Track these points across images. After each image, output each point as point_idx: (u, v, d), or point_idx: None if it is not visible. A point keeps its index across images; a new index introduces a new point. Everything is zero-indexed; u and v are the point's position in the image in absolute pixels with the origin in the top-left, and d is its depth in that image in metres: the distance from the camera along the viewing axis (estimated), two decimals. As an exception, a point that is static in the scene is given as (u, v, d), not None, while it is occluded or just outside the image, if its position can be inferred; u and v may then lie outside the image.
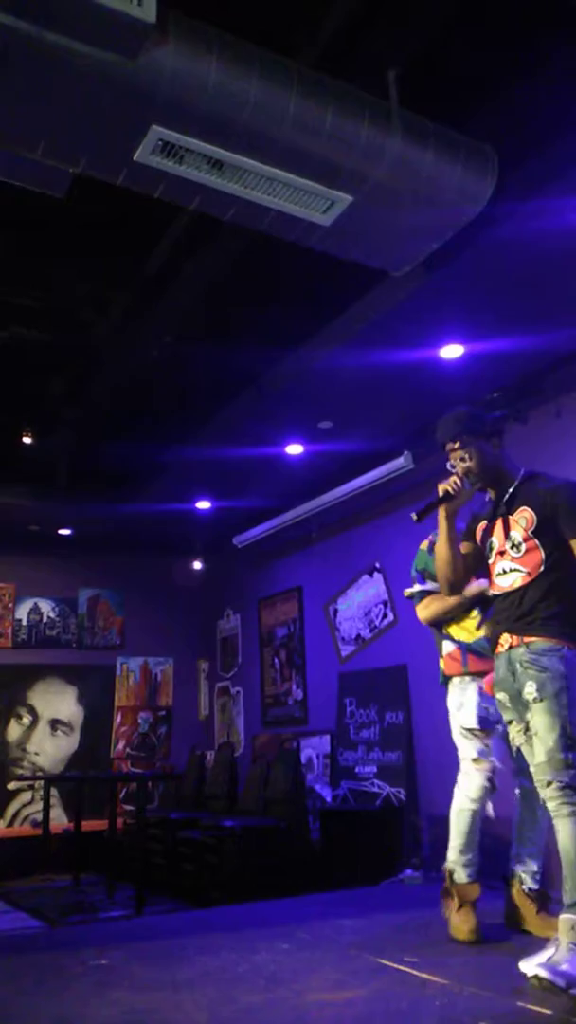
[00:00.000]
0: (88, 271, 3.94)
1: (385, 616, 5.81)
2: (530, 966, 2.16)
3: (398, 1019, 2.10)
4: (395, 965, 2.57)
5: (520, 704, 2.52)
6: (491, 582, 2.71)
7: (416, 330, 3.90)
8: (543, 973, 2.12)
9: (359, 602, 6.11)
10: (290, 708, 6.82)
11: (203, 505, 6.57)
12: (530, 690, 2.45)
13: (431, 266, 3.29)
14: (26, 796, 7.08)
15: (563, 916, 2.28)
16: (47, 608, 7.64)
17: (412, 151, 2.58)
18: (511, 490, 2.69)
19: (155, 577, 7.89)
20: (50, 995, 2.39)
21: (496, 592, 2.67)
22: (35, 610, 7.61)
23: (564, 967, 2.14)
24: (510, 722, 2.60)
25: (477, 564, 2.81)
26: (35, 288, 4.04)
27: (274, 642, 7.16)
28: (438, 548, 2.77)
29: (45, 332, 4.28)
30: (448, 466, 2.77)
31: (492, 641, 2.67)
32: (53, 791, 6.86)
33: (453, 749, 4.98)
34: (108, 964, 2.77)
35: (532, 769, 2.47)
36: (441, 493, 2.92)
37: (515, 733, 2.57)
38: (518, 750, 2.63)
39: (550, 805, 2.36)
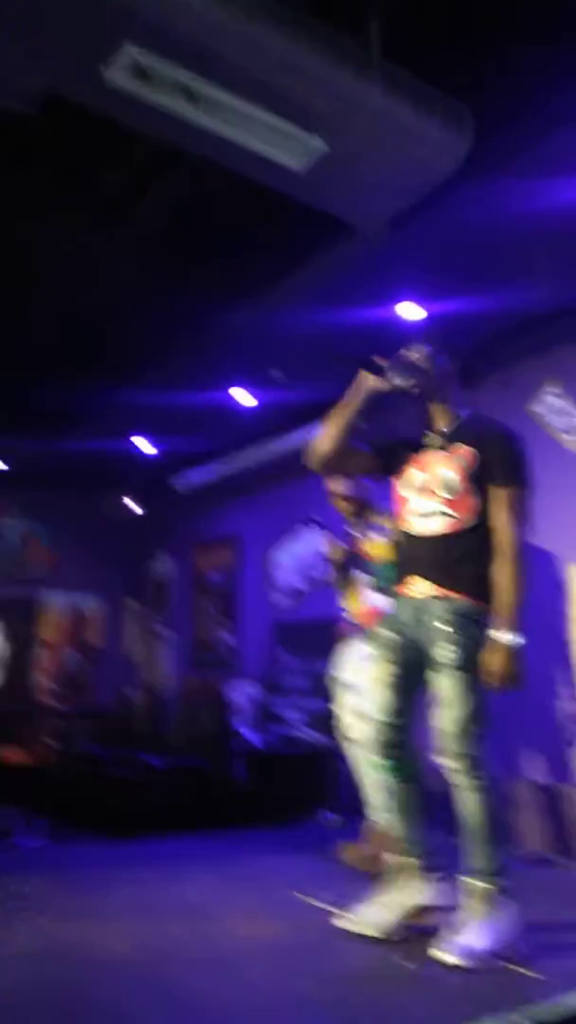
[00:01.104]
0: (36, 196, 3.78)
1: (322, 569, 5.89)
2: (449, 957, 2.11)
3: (316, 951, 2.20)
4: (315, 902, 2.68)
5: (408, 652, 2.39)
6: (401, 518, 2.51)
7: (376, 288, 3.88)
8: (455, 960, 2.09)
9: (297, 554, 6.17)
10: (221, 653, 6.89)
11: (144, 446, 6.49)
12: (450, 655, 2.29)
13: (398, 224, 3.27)
14: (-53, 727, 7.01)
15: (470, 883, 2.25)
16: (-25, 540, 7.48)
17: (391, 103, 2.53)
18: (452, 426, 2.52)
19: (89, 515, 7.78)
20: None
21: (415, 533, 2.46)
22: (-37, 541, 7.45)
23: (472, 942, 2.14)
24: (383, 662, 2.44)
25: (359, 468, 2.63)
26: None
27: (208, 587, 7.19)
28: (339, 410, 2.50)
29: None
30: (404, 369, 2.52)
31: (399, 578, 2.48)
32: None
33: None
34: (31, 892, 2.81)
35: (439, 736, 2.34)
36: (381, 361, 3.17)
37: (384, 674, 2.42)
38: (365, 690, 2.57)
39: (456, 777, 2.28)
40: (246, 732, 6.04)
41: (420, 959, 2.12)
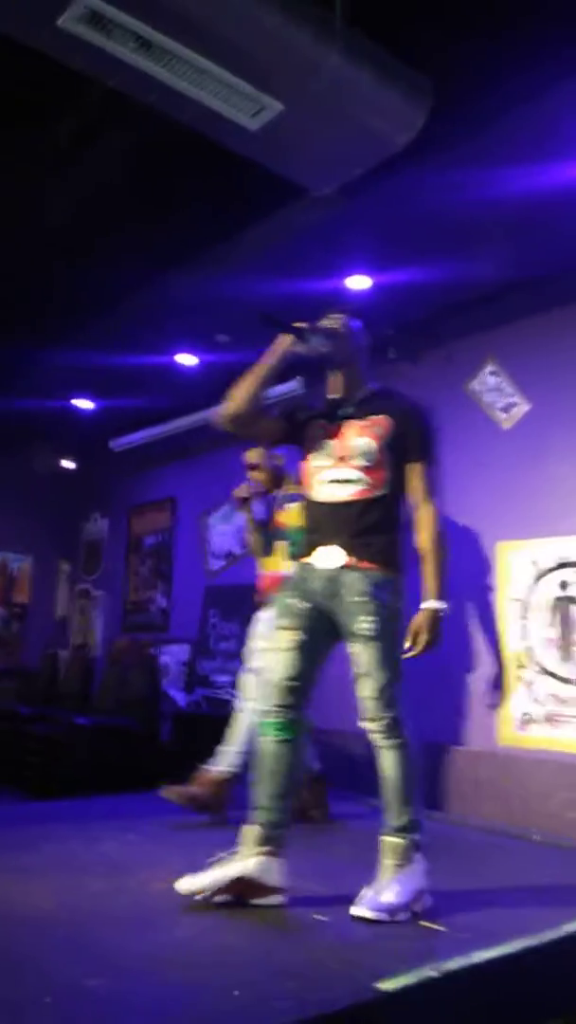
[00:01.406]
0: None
1: (256, 535, 5.91)
2: (362, 911, 2.17)
3: (237, 909, 2.24)
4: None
5: (315, 620, 2.37)
6: (312, 487, 2.48)
7: (325, 257, 3.88)
8: (368, 914, 2.15)
9: (233, 519, 6.17)
10: (152, 615, 6.87)
11: (83, 404, 6.36)
12: (366, 626, 2.32)
13: (350, 191, 3.26)
14: None
15: (386, 839, 2.31)
16: None
17: (351, 69, 2.52)
18: (363, 395, 2.52)
19: (19, 472, 7.62)
20: None
21: (326, 500, 2.43)
22: None
23: (385, 897, 2.20)
24: (287, 628, 2.40)
25: (268, 433, 2.59)
26: None
27: (142, 550, 7.14)
28: (254, 370, 2.43)
29: None
30: (306, 339, 2.45)
31: (309, 546, 2.45)
32: None
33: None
34: (-48, 848, 2.79)
35: (361, 703, 2.35)
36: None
37: (284, 638, 2.39)
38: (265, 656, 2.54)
39: (376, 738, 2.35)
40: (174, 693, 6.07)
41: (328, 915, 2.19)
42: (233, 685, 5.77)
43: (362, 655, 2.34)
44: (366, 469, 2.40)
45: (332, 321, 2.56)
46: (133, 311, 4.72)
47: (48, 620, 7.81)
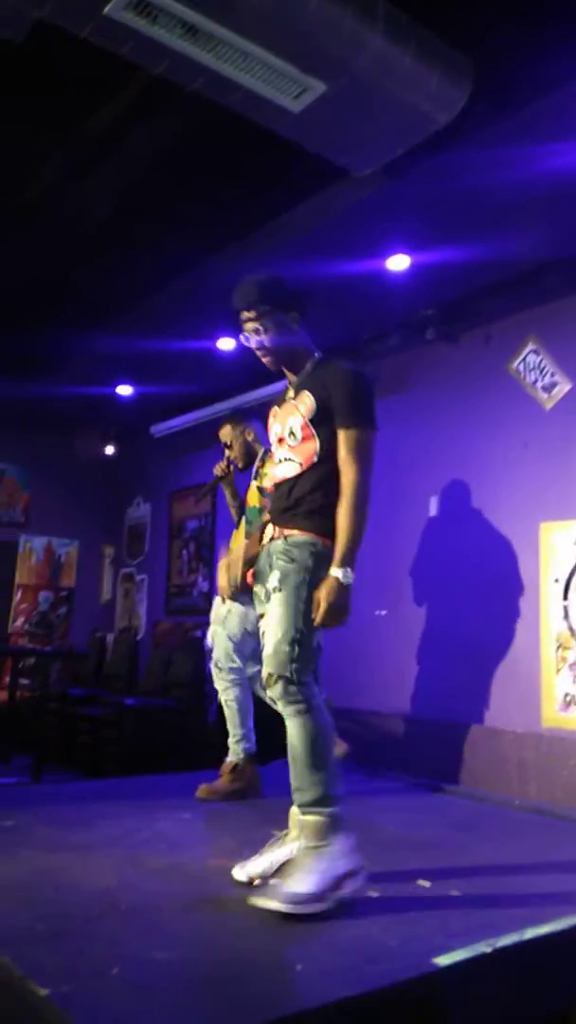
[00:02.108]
0: (27, 125, 3.66)
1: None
2: (270, 903, 2.00)
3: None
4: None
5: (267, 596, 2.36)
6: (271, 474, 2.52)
7: (365, 237, 3.85)
8: (277, 907, 1.98)
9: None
10: (194, 599, 6.95)
11: (124, 391, 6.42)
12: (273, 580, 2.27)
13: (390, 171, 3.24)
14: None
15: (297, 816, 2.18)
16: (-52, 479, 7.42)
17: (392, 48, 2.50)
18: (305, 372, 2.46)
19: (65, 458, 7.74)
20: (-43, 852, 2.47)
21: (271, 483, 2.49)
22: None
23: (297, 886, 2.02)
24: (262, 616, 2.41)
25: None
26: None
27: (184, 534, 7.21)
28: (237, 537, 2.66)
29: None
30: (242, 338, 2.49)
31: (261, 534, 2.51)
32: (-52, 662, 6.84)
33: (347, 648, 5.25)
34: (14, 825, 2.88)
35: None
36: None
37: (263, 626, 2.38)
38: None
39: (278, 703, 2.22)
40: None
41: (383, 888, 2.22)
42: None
43: (269, 610, 2.28)
44: (293, 448, 2.40)
45: (254, 324, 2.44)
46: (174, 296, 4.75)
47: (94, 604, 7.94)
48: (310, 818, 2.13)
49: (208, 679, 6.00)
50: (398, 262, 4.08)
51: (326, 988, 1.60)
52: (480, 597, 4.41)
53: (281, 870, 2.23)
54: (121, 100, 3.31)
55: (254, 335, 2.44)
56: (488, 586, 4.38)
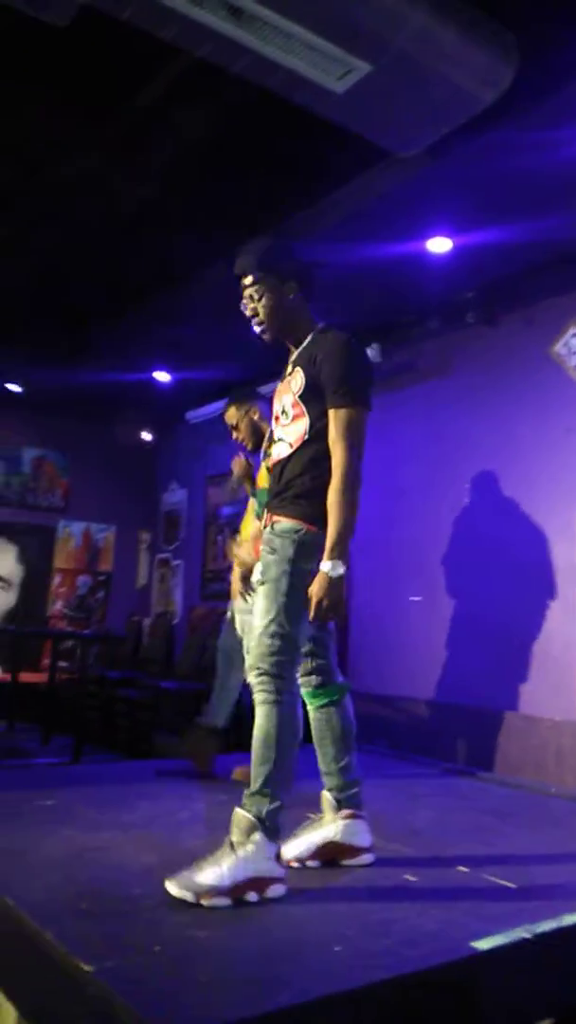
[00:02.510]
0: (68, 108, 3.68)
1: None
2: (172, 887, 1.95)
3: (331, 868, 2.30)
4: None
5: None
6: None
7: (406, 219, 3.82)
8: (174, 891, 1.93)
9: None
10: (229, 584, 6.98)
11: (161, 377, 6.45)
12: (256, 572, 2.22)
13: (433, 152, 3.20)
14: (-40, 646, 7.18)
15: (235, 808, 2.08)
16: (-10, 464, 7.53)
17: (437, 25, 2.46)
18: (302, 346, 2.31)
19: (103, 444, 7.81)
20: (1, 831, 2.51)
21: (268, 464, 2.39)
22: (-23, 465, 7.50)
23: (202, 876, 1.95)
24: None
25: None
26: (7, 121, 3.76)
27: (219, 519, 7.25)
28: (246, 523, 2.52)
29: (13, 170, 4.01)
30: (241, 306, 2.37)
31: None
32: (-12, 643, 6.98)
33: (388, 636, 5.23)
34: (55, 805, 2.93)
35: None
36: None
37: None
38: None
39: (254, 693, 2.14)
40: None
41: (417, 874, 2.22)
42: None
43: (254, 603, 2.22)
44: (284, 427, 2.28)
45: (249, 291, 2.32)
46: (212, 281, 4.75)
47: (130, 588, 8.03)
48: (240, 812, 2.05)
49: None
50: (439, 244, 4.03)
51: (365, 969, 1.60)
52: (517, 583, 4.37)
53: (317, 852, 2.27)
54: (161, 83, 3.31)
55: (249, 302, 2.31)
56: (525, 572, 4.34)
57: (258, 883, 1.97)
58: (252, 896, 1.96)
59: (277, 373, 6.12)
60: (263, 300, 2.29)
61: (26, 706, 6.19)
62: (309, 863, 2.28)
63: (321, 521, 2.16)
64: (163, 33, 2.39)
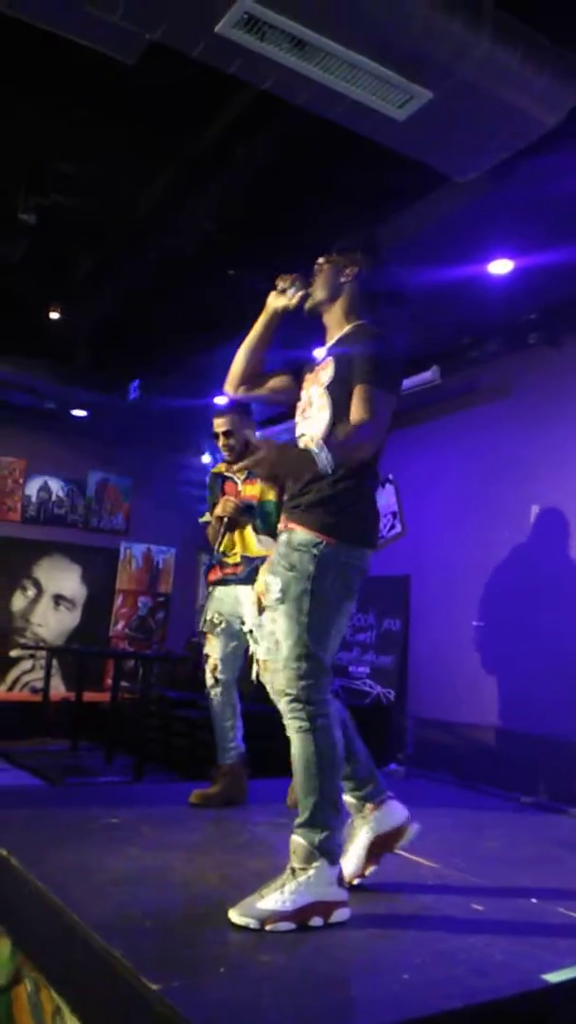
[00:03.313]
0: (136, 142, 3.80)
1: (393, 527, 5.90)
2: (236, 916, 1.93)
3: (395, 894, 2.27)
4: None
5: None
6: None
7: (466, 243, 3.82)
8: (237, 919, 1.91)
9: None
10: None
11: (221, 401, 6.53)
12: (274, 590, 2.10)
13: (494, 175, 3.21)
14: (26, 664, 7.33)
15: (292, 836, 2.06)
16: (56, 487, 7.71)
17: (499, 51, 2.47)
18: (338, 338, 2.29)
19: (163, 469, 7.93)
20: (67, 848, 2.54)
21: None
22: (44, 488, 7.68)
23: (264, 903, 1.94)
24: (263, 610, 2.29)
25: (277, 393, 2.44)
26: (79, 155, 3.90)
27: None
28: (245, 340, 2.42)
29: (85, 202, 4.15)
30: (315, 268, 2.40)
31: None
32: (53, 662, 7.11)
33: (445, 658, 5.17)
34: (119, 823, 2.96)
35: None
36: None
37: (268, 623, 2.24)
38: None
39: (285, 718, 2.11)
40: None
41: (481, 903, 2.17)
42: (370, 675, 5.80)
43: (276, 623, 2.10)
44: (309, 419, 2.23)
45: (322, 262, 2.35)
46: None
47: (189, 609, 8.10)
48: (296, 839, 2.03)
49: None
50: (500, 266, 4.02)
51: (435, 998, 1.58)
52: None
53: (368, 857, 2.25)
54: (227, 116, 3.40)
55: (306, 278, 2.35)
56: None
57: (322, 907, 1.96)
58: (317, 921, 1.95)
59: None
60: (322, 272, 2.33)
61: (89, 725, 6.28)
62: (368, 871, 2.27)
63: (340, 532, 2.09)
64: (228, 68, 2.45)
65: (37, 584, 7.49)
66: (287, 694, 2.06)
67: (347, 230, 2.42)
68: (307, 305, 2.34)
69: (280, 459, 2.00)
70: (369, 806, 2.30)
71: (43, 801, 3.59)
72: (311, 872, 1.98)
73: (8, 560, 7.36)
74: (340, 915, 1.98)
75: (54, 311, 5.26)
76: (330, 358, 2.23)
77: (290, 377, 2.41)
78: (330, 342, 2.32)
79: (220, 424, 3.51)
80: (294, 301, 2.33)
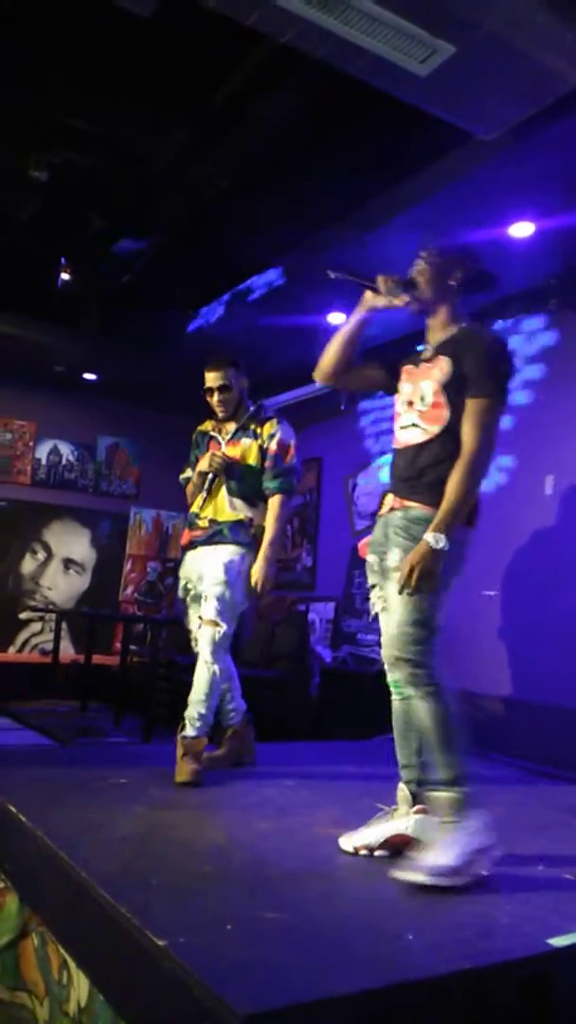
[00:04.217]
0: (150, 98, 3.71)
1: (404, 495, 5.89)
2: (415, 876, 2.01)
3: (401, 856, 2.29)
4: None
5: (384, 571, 2.33)
6: (394, 435, 2.47)
7: (487, 204, 3.74)
8: (421, 879, 1.99)
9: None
10: (298, 574, 7.00)
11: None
12: (394, 559, 2.24)
13: (517, 134, 3.13)
14: (36, 627, 7.39)
15: (429, 795, 2.20)
16: (66, 451, 7.70)
17: (524, 5, 2.40)
18: (446, 336, 2.38)
19: (174, 433, 7.85)
20: (75, 806, 2.56)
21: (395, 447, 2.43)
22: (55, 451, 7.68)
23: (438, 859, 2.03)
24: (373, 586, 2.42)
25: (366, 384, 2.64)
26: (91, 111, 3.82)
27: (290, 508, 7.27)
28: (340, 329, 2.51)
29: (97, 159, 4.07)
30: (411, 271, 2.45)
31: (380, 500, 2.45)
32: (63, 625, 7.16)
33: (454, 626, 5.14)
34: (127, 783, 2.99)
35: (385, 643, 2.31)
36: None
37: (375, 599, 2.41)
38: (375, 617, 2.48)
39: (403, 687, 2.23)
40: (320, 650, 6.19)
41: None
42: (377, 643, 5.82)
43: (388, 590, 2.26)
44: (422, 413, 2.33)
45: (415, 267, 2.43)
46: (287, 271, 4.75)
47: (199, 575, 8.12)
48: (444, 795, 2.15)
49: (311, 653, 6.07)
50: (522, 229, 3.93)
51: (437, 959, 1.59)
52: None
53: (387, 842, 2.26)
54: (244, 71, 3.32)
55: (408, 280, 2.42)
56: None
57: (483, 852, 2.07)
58: (480, 867, 2.04)
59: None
60: (425, 272, 2.40)
61: (98, 687, 6.34)
62: (377, 853, 2.28)
63: None
64: (246, 20, 2.39)
65: (47, 547, 7.52)
66: (405, 659, 2.18)
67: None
68: (414, 308, 2.42)
69: (430, 567, 2.16)
70: (420, 806, 2.33)
71: (52, 760, 3.63)
72: (470, 823, 2.09)
73: (18, 523, 7.39)
74: (495, 856, 2.09)
75: (65, 272, 5.20)
76: (444, 358, 2.32)
77: (384, 372, 2.52)
78: (435, 341, 2.41)
79: (215, 378, 3.37)
80: (398, 303, 2.40)
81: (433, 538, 2.16)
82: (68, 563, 7.60)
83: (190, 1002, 1.42)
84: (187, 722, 3.16)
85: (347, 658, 5.95)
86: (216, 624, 3.19)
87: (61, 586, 7.55)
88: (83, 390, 7.42)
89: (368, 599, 2.47)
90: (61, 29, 3.19)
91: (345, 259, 4.34)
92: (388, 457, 2.95)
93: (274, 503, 3.31)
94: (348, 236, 4.24)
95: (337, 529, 6.63)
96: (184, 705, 3.29)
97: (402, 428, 2.40)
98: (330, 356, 2.50)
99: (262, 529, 3.30)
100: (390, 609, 2.25)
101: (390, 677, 2.33)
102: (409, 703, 2.22)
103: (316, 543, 6.90)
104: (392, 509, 2.34)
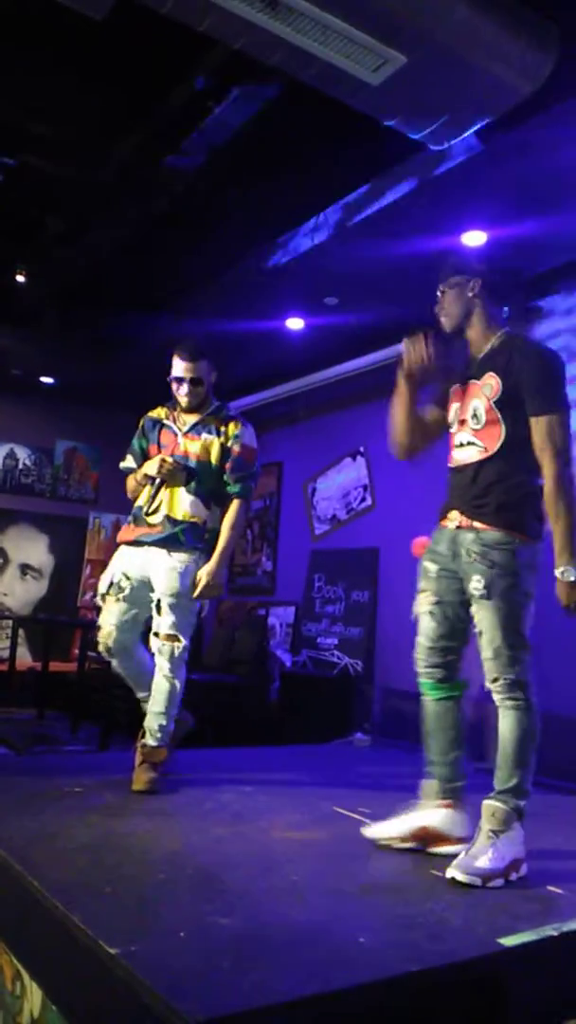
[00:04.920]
0: (106, 101, 3.69)
1: (363, 500, 5.92)
2: (455, 873, 2.14)
3: (356, 861, 2.30)
4: (350, 813, 2.79)
5: (445, 582, 2.40)
6: (450, 453, 2.50)
7: (440, 213, 3.79)
8: (461, 877, 2.12)
9: (339, 483, 6.19)
10: (259, 578, 7.00)
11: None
12: (477, 586, 2.30)
13: (469, 145, 3.18)
14: (-8, 634, 7.28)
15: (486, 802, 2.27)
16: (23, 455, 7.61)
17: (477, 18, 2.44)
18: (488, 350, 2.40)
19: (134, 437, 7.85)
20: (32, 815, 2.52)
21: (452, 465, 2.47)
22: (11, 455, 7.58)
23: (480, 862, 2.15)
24: (424, 591, 2.46)
25: (441, 430, 2.56)
26: (48, 114, 3.79)
27: (248, 514, 7.26)
28: (391, 409, 2.52)
29: (57, 165, 4.04)
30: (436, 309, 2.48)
31: (441, 512, 2.48)
32: (19, 631, 7.05)
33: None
34: (83, 791, 2.96)
35: (483, 662, 2.34)
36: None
37: (423, 601, 2.46)
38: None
39: (496, 699, 2.31)
40: (280, 654, 6.20)
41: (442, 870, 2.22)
42: (338, 647, 5.84)
43: (478, 614, 2.33)
44: (477, 432, 2.37)
45: (440, 300, 2.46)
46: (244, 276, 4.76)
47: (158, 580, 8.07)
48: (501, 805, 2.24)
49: (270, 657, 6.08)
50: (474, 238, 3.99)
51: (388, 962, 1.61)
52: None
53: (412, 835, 2.36)
54: (197, 77, 3.32)
55: (441, 300, 2.47)
56: None
57: (519, 863, 2.20)
58: (515, 875, 2.17)
59: (310, 367, 6.04)
60: (448, 297, 2.45)
61: (55, 695, 6.27)
62: (400, 845, 2.37)
63: (527, 527, 2.30)
64: (199, 25, 2.39)
65: (3, 553, 7.42)
66: (506, 678, 2.27)
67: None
68: (448, 328, 2.45)
69: (571, 595, 2.25)
70: (447, 801, 2.40)
71: (7, 769, 3.58)
72: (511, 832, 2.21)
73: (-27, 528, 7.28)
74: (524, 868, 2.21)
75: (21, 274, 5.15)
76: (491, 374, 2.34)
77: (440, 409, 2.55)
78: (478, 354, 2.43)
79: (188, 369, 3.17)
80: (430, 351, 2.39)
81: (562, 571, 2.24)
82: (25, 569, 7.50)
83: (142, 1010, 1.41)
84: (147, 732, 3.13)
85: (307, 662, 5.97)
86: (175, 639, 3.13)
87: (18, 592, 7.45)
88: (41, 393, 7.34)
89: (324, 603, 2.52)
90: (17, 34, 3.17)
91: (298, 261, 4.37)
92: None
93: (233, 507, 3.24)
94: (305, 239, 4.27)
95: (297, 533, 6.64)
96: (142, 714, 3.24)
97: (458, 447, 2.43)
98: (400, 436, 2.53)
99: (215, 532, 3.20)
100: (482, 632, 2.32)
101: (424, 680, 2.45)
102: (510, 714, 2.29)
103: (276, 547, 6.91)
104: (460, 527, 2.37)
